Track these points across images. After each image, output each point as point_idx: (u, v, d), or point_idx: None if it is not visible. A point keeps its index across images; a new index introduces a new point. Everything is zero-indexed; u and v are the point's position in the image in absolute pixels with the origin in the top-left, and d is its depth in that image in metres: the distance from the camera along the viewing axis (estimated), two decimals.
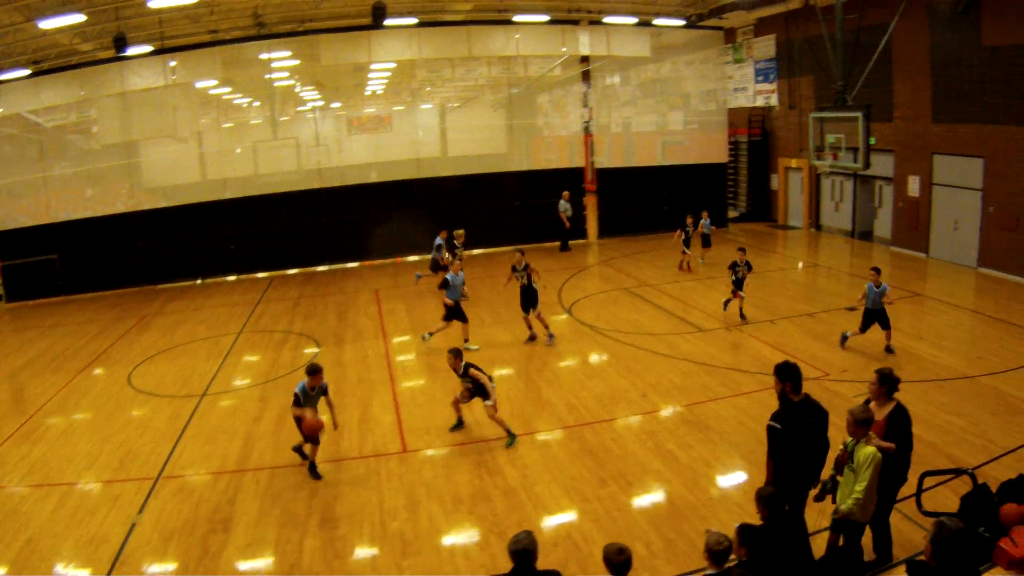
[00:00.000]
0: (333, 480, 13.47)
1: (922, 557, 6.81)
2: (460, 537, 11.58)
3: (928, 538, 6.48)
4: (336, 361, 20.15)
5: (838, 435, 9.83)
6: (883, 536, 10.12)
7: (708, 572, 7.63)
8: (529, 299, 21.13)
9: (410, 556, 11.07)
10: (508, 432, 14.81)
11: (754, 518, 8.65)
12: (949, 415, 15.39)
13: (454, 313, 20.92)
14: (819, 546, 9.72)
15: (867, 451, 9.22)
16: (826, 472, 9.99)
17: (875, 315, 18.68)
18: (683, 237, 28.43)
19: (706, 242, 29.13)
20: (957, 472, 10.76)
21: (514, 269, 21.29)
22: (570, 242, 34.75)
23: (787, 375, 9.57)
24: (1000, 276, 27.03)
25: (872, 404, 9.91)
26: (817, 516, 10.12)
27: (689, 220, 28.72)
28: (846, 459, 9.47)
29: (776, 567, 7.87)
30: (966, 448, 13.96)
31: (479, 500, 12.59)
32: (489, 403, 14.64)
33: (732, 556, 8.03)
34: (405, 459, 14.24)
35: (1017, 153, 25.93)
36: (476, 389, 14.76)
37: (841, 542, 9.94)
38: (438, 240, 27.47)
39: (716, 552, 7.52)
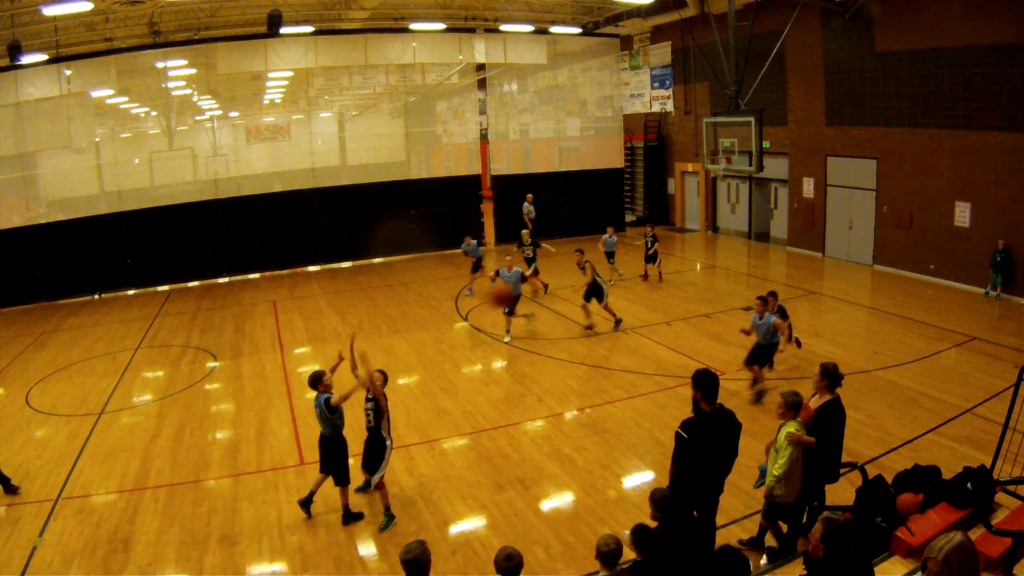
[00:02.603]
0: (231, 495, 13.18)
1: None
2: (359, 548, 11.47)
3: (816, 533, 6.60)
4: (234, 375, 19.79)
5: (748, 441, 10.00)
6: (794, 527, 10.30)
7: (601, 574, 7.76)
8: (593, 292, 22.03)
9: (309, 570, 10.90)
10: (387, 511, 12.26)
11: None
12: (846, 409, 15.67)
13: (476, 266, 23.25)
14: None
15: (787, 429, 9.59)
16: (762, 461, 10.54)
17: (762, 351, 16.86)
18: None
19: (610, 258, 28.28)
20: (850, 466, 10.96)
21: (579, 266, 22.58)
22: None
23: (699, 383, 9.34)
24: (895, 272, 27.87)
25: (814, 396, 10.19)
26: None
27: (648, 230, 28.34)
28: (771, 445, 9.88)
29: (671, 568, 7.97)
30: (863, 441, 14.25)
31: (378, 511, 12.39)
32: (377, 474, 12.06)
33: (628, 557, 8.15)
34: (303, 472, 13.96)
35: (908, 154, 26.84)
36: (373, 434, 12.25)
37: (785, 528, 10.18)
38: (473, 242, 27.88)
39: (605, 554, 7.67)
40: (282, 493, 13.22)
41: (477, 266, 27.06)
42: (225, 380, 19.39)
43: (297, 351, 21.81)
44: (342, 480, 12.25)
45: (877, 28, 27.09)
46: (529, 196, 34.67)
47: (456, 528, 11.97)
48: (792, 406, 9.75)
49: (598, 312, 22.23)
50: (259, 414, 16.97)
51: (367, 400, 12.18)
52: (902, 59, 26.40)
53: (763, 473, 10.31)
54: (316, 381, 12.33)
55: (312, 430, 14.90)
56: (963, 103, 24.62)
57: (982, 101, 23.99)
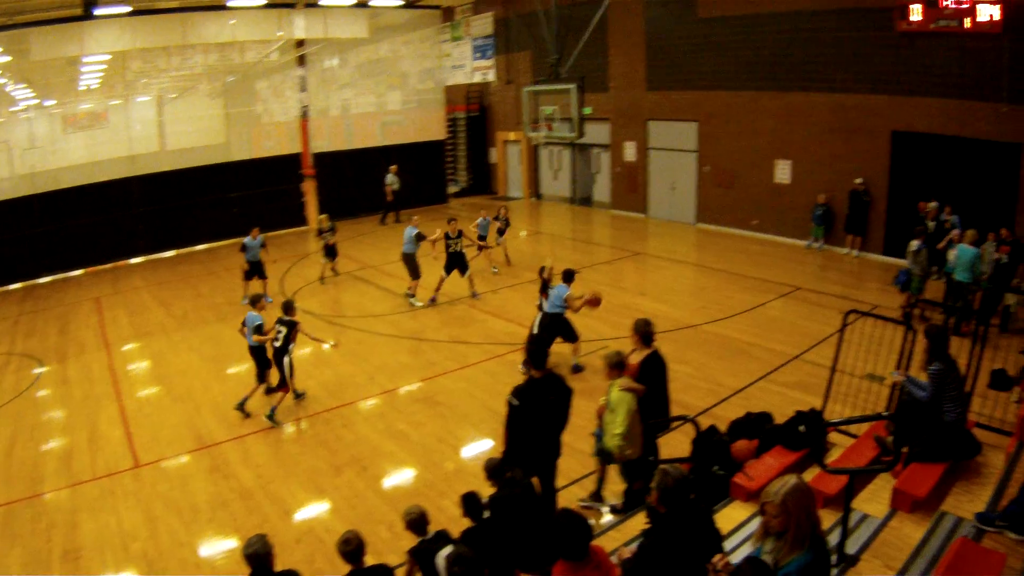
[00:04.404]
0: (69, 507, 12.49)
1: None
2: (203, 548, 11.08)
3: (654, 486, 6.62)
4: (61, 379, 18.70)
5: (582, 401, 10.05)
6: (647, 480, 10.46)
7: (420, 541, 8.09)
8: (458, 264, 22.12)
9: (156, 575, 10.52)
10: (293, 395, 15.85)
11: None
12: (675, 363, 15.74)
13: (252, 271, 23.20)
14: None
15: (617, 384, 9.70)
16: (595, 426, 10.74)
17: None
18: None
19: (330, 253, 25.61)
20: (681, 419, 11.07)
21: (447, 237, 21.91)
22: (389, 215, 35.30)
23: (527, 351, 9.68)
24: (718, 230, 28.75)
25: (632, 352, 10.37)
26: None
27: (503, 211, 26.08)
28: (603, 410, 10.02)
29: (504, 533, 8.13)
30: (694, 393, 14.59)
31: (217, 507, 12.09)
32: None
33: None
34: (139, 474, 13.42)
35: (729, 115, 27.74)
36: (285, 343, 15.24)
37: (637, 485, 10.38)
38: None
39: (411, 523, 8.16)
40: (119, 499, 12.63)
41: (258, 270, 23.85)
42: (53, 386, 18.29)
43: (124, 348, 20.79)
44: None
45: None
46: (392, 167, 34.64)
47: (299, 516, 11.72)
48: (616, 366, 9.88)
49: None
50: (89, 418, 16.09)
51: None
52: (723, 24, 27.15)
53: (599, 438, 10.41)
54: (255, 301, 15.72)
55: (142, 429, 14.94)
56: (783, 66, 25.52)
57: (801, 64, 24.92)
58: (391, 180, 34.47)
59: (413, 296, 21.92)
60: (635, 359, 10.27)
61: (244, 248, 23.48)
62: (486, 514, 8.42)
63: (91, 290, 27.39)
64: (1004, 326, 16.72)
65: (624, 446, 9.72)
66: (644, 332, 10.32)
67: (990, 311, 16.56)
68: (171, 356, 19.34)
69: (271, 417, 14.90)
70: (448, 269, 22.04)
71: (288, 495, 12.29)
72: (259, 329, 15.23)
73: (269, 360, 15.46)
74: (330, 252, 25.19)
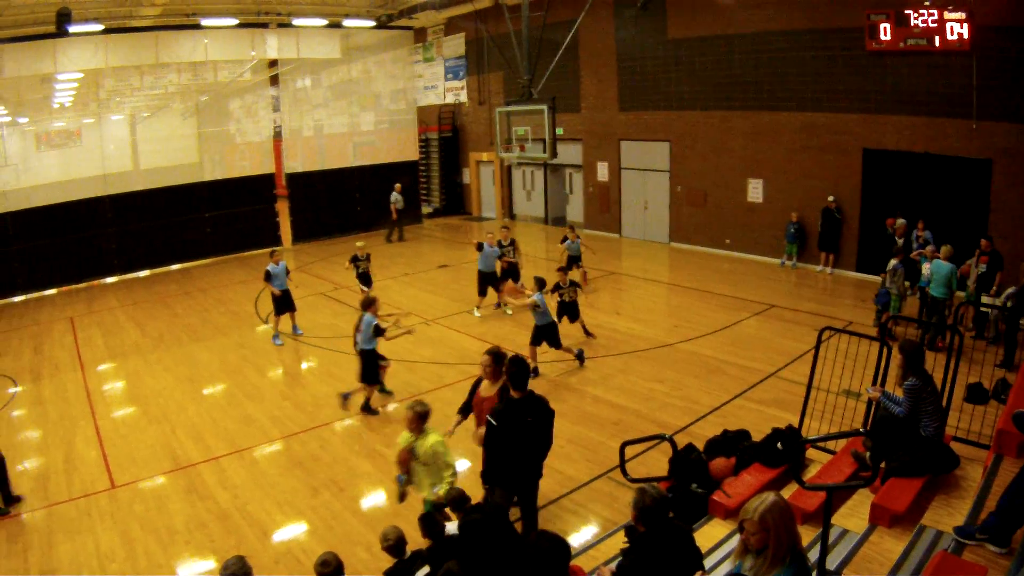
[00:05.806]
0: (45, 528, 12.31)
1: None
2: (181, 570, 10.90)
3: (632, 506, 6.62)
4: (36, 399, 18.40)
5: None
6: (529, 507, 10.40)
7: (396, 562, 8.28)
8: (511, 273, 22.80)
9: None
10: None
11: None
12: (651, 383, 15.95)
13: (283, 303, 21.17)
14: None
15: (430, 441, 9.87)
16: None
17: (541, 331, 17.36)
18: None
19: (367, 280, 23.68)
20: (658, 438, 11.02)
21: (500, 245, 22.75)
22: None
23: (507, 371, 9.52)
24: (691, 249, 28.82)
25: (485, 382, 10.69)
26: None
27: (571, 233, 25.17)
28: (408, 458, 10.03)
29: (469, 554, 7.95)
30: (671, 411, 14.52)
31: (194, 528, 11.89)
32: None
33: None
34: (115, 495, 13.21)
35: (701, 135, 27.89)
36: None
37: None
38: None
39: (387, 547, 8.39)
40: (96, 520, 12.44)
41: (287, 300, 21.38)
42: (28, 405, 18.02)
43: (99, 368, 20.53)
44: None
45: (669, 16, 27.98)
46: (397, 185, 34.88)
47: (276, 537, 11.56)
48: (416, 418, 9.88)
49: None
50: (65, 439, 15.85)
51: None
52: (694, 45, 27.33)
53: (400, 486, 10.43)
54: (368, 304, 15.85)
55: (118, 450, 14.76)
56: (753, 86, 25.70)
57: (772, 83, 25.09)
58: (395, 198, 34.67)
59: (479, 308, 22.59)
60: (491, 390, 10.50)
61: (268, 276, 20.97)
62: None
63: (65, 309, 27.10)
64: (980, 336, 16.91)
65: (454, 483, 9.81)
66: (499, 357, 10.48)
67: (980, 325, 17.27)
68: (146, 376, 19.11)
69: (382, 390, 16.75)
70: (504, 277, 22.54)
71: (265, 516, 12.15)
72: (378, 330, 15.51)
73: (379, 361, 16.23)
74: (366, 279, 23.38)
